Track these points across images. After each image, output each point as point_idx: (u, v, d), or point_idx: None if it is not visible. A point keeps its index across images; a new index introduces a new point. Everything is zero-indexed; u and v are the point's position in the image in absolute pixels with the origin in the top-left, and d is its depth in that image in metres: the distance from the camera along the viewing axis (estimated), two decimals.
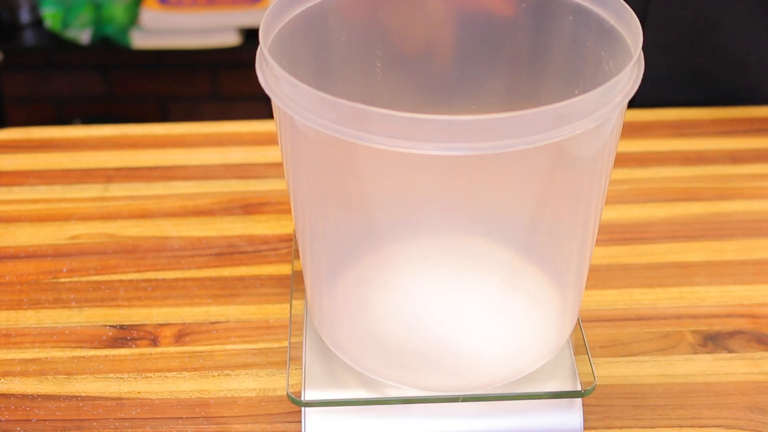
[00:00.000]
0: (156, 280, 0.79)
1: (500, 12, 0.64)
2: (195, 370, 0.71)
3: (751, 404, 0.68)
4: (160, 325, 0.75)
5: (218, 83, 2.22)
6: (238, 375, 0.71)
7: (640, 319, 0.75)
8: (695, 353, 0.72)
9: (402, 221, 0.58)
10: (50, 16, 2.04)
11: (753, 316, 0.75)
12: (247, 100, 2.21)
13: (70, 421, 0.67)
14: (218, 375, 0.71)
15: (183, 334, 0.74)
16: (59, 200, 0.88)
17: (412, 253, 0.59)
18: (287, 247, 0.82)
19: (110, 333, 0.74)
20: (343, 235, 0.60)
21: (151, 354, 0.73)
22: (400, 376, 0.62)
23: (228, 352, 0.73)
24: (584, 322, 0.74)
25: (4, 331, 0.74)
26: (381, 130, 0.50)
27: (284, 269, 0.80)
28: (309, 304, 0.65)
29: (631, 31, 0.57)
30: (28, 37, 2.11)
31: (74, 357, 0.72)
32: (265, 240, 0.83)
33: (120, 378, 0.71)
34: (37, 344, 0.73)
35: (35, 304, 0.77)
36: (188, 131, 0.97)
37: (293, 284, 0.73)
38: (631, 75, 0.54)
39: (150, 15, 2.01)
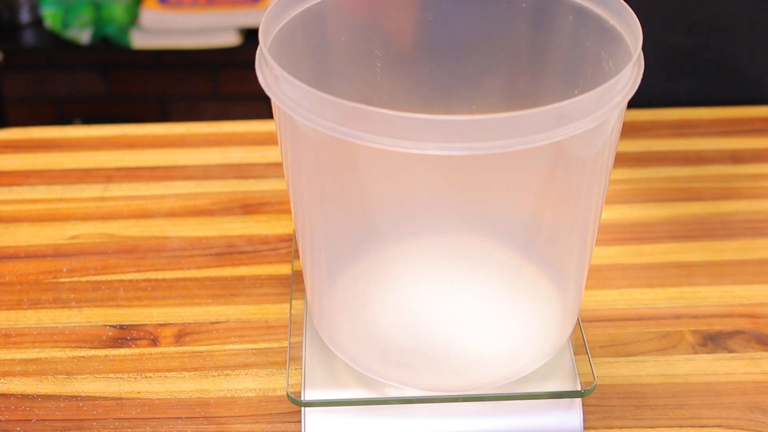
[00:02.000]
0: (156, 280, 0.79)
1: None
2: (195, 370, 0.71)
3: (751, 404, 0.68)
4: (160, 325, 0.75)
5: (218, 83, 2.22)
6: (238, 375, 0.71)
7: (640, 319, 0.75)
8: (695, 353, 0.72)
9: (402, 221, 0.58)
10: (50, 16, 2.04)
11: (753, 316, 0.75)
12: (247, 100, 2.21)
13: (70, 421, 0.67)
14: (218, 375, 0.71)
15: (183, 334, 0.74)
16: (59, 200, 0.88)
17: (411, 253, 0.59)
18: (287, 247, 0.82)
19: (110, 333, 0.74)
20: (343, 235, 0.60)
21: (151, 354, 0.73)
22: (400, 376, 0.62)
23: (228, 352, 0.73)
24: (584, 322, 0.74)
25: (4, 331, 0.74)
26: (381, 130, 0.50)
27: (284, 269, 0.80)
28: (309, 304, 0.65)
29: (630, 31, 0.57)
30: (28, 37, 2.10)
31: (74, 357, 0.72)
32: (265, 240, 0.83)
33: (120, 378, 0.71)
34: (37, 344, 0.73)
35: (35, 304, 0.77)
36: (188, 131, 0.97)
37: (293, 284, 0.73)
38: (630, 75, 0.54)
39: (150, 15, 2.01)
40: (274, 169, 0.92)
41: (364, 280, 0.62)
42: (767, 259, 0.81)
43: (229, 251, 0.82)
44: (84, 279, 0.79)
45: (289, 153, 0.58)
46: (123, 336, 0.74)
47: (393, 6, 0.65)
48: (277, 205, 0.87)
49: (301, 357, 0.66)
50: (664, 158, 0.93)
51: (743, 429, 0.67)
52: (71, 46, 2.06)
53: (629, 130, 0.96)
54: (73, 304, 0.77)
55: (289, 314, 0.73)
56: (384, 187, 0.56)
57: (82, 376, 0.71)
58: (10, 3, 2.09)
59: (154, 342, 0.74)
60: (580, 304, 0.65)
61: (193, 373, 0.71)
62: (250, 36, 2.03)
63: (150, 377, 0.71)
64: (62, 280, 0.79)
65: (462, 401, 0.63)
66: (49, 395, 0.69)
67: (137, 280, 0.79)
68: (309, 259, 0.62)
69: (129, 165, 0.92)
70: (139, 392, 0.69)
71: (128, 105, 2.25)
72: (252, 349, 0.73)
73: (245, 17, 2.01)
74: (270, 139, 0.96)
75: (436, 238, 0.59)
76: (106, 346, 0.73)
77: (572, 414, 0.63)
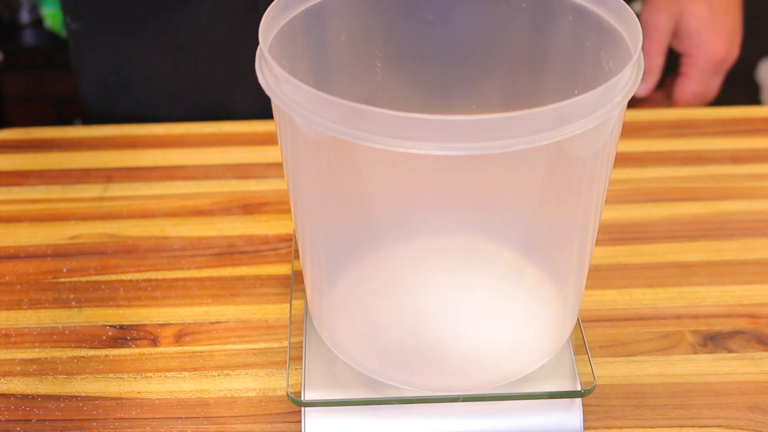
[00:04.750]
0: (156, 280, 0.79)
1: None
2: (195, 370, 0.71)
3: (751, 404, 0.68)
4: (160, 325, 0.75)
5: None
6: (238, 375, 0.71)
7: (640, 319, 0.75)
8: (695, 353, 0.72)
9: (402, 221, 0.58)
10: (50, 16, 2.04)
11: (753, 316, 0.75)
12: None
13: (70, 421, 0.67)
14: (218, 375, 0.71)
15: (183, 334, 0.74)
16: (59, 200, 0.88)
17: (412, 253, 0.59)
18: (287, 247, 0.82)
19: (110, 333, 0.74)
20: (343, 235, 0.60)
21: (151, 354, 0.73)
22: (400, 376, 0.62)
23: (228, 352, 0.73)
24: (584, 322, 0.74)
25: (4, 331, 0.74)
26: (381, 130, 0.50)
27: (284, 269, 0.80)
28: (309, 304, 0.65)
29: (631, 31, 0.57)
30: (28, 37, 2.11)
31: (74, 357, 0.72)
32: (265, 240, 0.83)
33: (120, 378, 0.71)
34: (37, 344, 0.73)
35: (35, 304, 0.77)
36: (188, 131, 0.97)
37: (293, 284, 0.73)
38: (630, 75, 0.54)
39: None
40: (274, 169, 0.92)
41: (365, 280, 0.62)
42: (767, 259, 0.81)
43: (229, 251, 0.82)
44: (84, 279, 0.79)
45: (289, 153, 0.58)
46: (123, 336, 0.74)
47: (393, 6, 0.65)
48: (277, 205, 0.87)
49: (301, 357, 0.66)
50: (664, 158, 0.93)
51: (743, 429, 0.67)
52: None
53: (629, 130, 0.96)
54: (73, 304, 0.77)
55: (289, 314, 0.73)
56: (384, 187, 0.56)
57: (82, 376, 0.71)
58: (10, 3, 2.09)
59: (154, 342, 0.74)
60: (580, 304, 0.65)
61: (193, 373, 0.71)
62: None
63: (150, 377, 0.71)
64: (62, 280, 0.79)
65: (462, 401, 0.63)
66: (49, 395, 0.69)
67: (137, 280, 0.79)
68: (309, 259, 0.62)
69: (129, 165, 0.92)
70: (139, 392, 0.69)
71: None
72: (252, 349, 0.73)
73: None
74: (270, 139, 0.96)
75: (435, 238, 0.59)
76: (106, 346, 0.73)
77: (572, 414, 0.63)
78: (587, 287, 0.76)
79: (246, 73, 1.06)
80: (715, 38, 1.01)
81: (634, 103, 1.06)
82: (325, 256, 0.62)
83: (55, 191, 0.89)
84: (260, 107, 1.06)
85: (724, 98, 1.08)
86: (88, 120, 1.09)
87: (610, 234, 0.83)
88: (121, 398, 0.69)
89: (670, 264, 0.80)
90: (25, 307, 0.77)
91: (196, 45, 1.04)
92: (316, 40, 0.62)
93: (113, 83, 1.08)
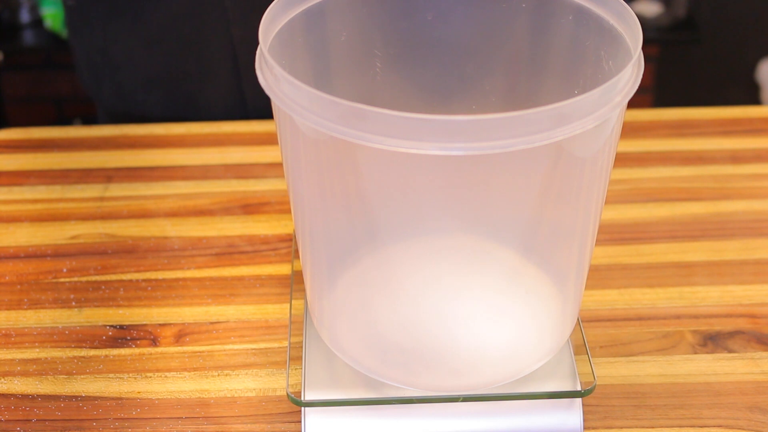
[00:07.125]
0: (156, 280, 0.79)
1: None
2: (195, 370, 0.71)
3: (751, 404, 0.68)
4: (160, 325, 0.75)
5: None
6: (238, 375, 0.71)
7: (640, 319, 0.75)
8: (695, 353, 0.72)
9: (402, 221, 0.58)
10: (50, 16, 2.04)
11: (753, 316, 0.75)
12: None
13: (70, 421, 0.67)
14: (218, 375, 0.71)
15: (183, 334, 0.74)
16: (59, 200, 0.88)
17: (412, 253, 0.59)
18: (287, 247, 0.82)
19: (110, 333, 0.74)
20: (343, 235, 0.60)
21: (151, 354, 0.73)
22: (400, 376, 0.62)
23: (228, 352, 0.73)
24: (584, 322, 0.74)
25: (4, 331, 0.74)
26: (381, 130, 0.50)
27: (284, 269, 0.80)
28: (309, 304, 0.65)
29: (630, 31, 0.57)
30: (28, 37, 2.10)
31: (74, 357, 0.72)
32: (265, 240, 0.83)
33: (120, 378, 0.71)
34: (37, 344, 0.73)
35: (35, 304, 0.77)
36: (188, 131, 0.97)
37: (293, 284, 0.73)
38: (631, 75, 0.54)
39: None
40: (274, 169, 0.92)
41: (364, 280, 0.62)
42: (767, 259, 0.81)
43: (229, 251, 0.82)
44: (84, 279, 0.79)
45: (289, 153, 0.58)
46: (123, 336, 0.74)
47: (393, 6, 0.65)
48: (277, 205, 0.87)
49: (301, 357, 0.66)
50: (664, 158, 0.93)
51: (743, 429, 0.67)
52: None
53: (629, 130, 0.96)
54: (73, 304, 0.77)
55: (289, 314, 0.73)
56: (384, 187, 0.56)
57: (82, 376, 0.71)
58: (10, 3, 2.09)
59: (154, 342, 0.74)
60: (580, 304, 0.65)
61: (193, 373, 0.71)
62: None
63: (150, 377, 0.71)
64: (62, 280, 0.79)
65: (462, 401, 0.63)
66: (49, 395, 0.69)
67: (137, 280, 0.79)
68: (309, 259, 0.62)
69: (129, 165, 0.92)
70: (139, 392, 0.69)
71: None
72: (252, 349, 0.73)
73: None
74: (270, 139, 0.96)
75: (435, 238, 0.59)
76: (106, 346, 0.73)
77: (572, 414, 0.63)
78: (587, 287, 0.76)
79: (213, 67, 1.07)
80: None
81: None
82: (325, 256, 0.62)
83: (55, 191, 0.89)
84: (228, 102, 1.07)
85: (724, 98, 1.08)
86: (88, 117, 1.10)
87: (610, 234, 0.83)
88: (121, 398, 0.69)
89: (670, 264, 0.80)
90: (25, 307, 0.77)
91: (167, 36, 1.05)
92: (316, 40, 0.62)
93: (99, 63, 1.10)
